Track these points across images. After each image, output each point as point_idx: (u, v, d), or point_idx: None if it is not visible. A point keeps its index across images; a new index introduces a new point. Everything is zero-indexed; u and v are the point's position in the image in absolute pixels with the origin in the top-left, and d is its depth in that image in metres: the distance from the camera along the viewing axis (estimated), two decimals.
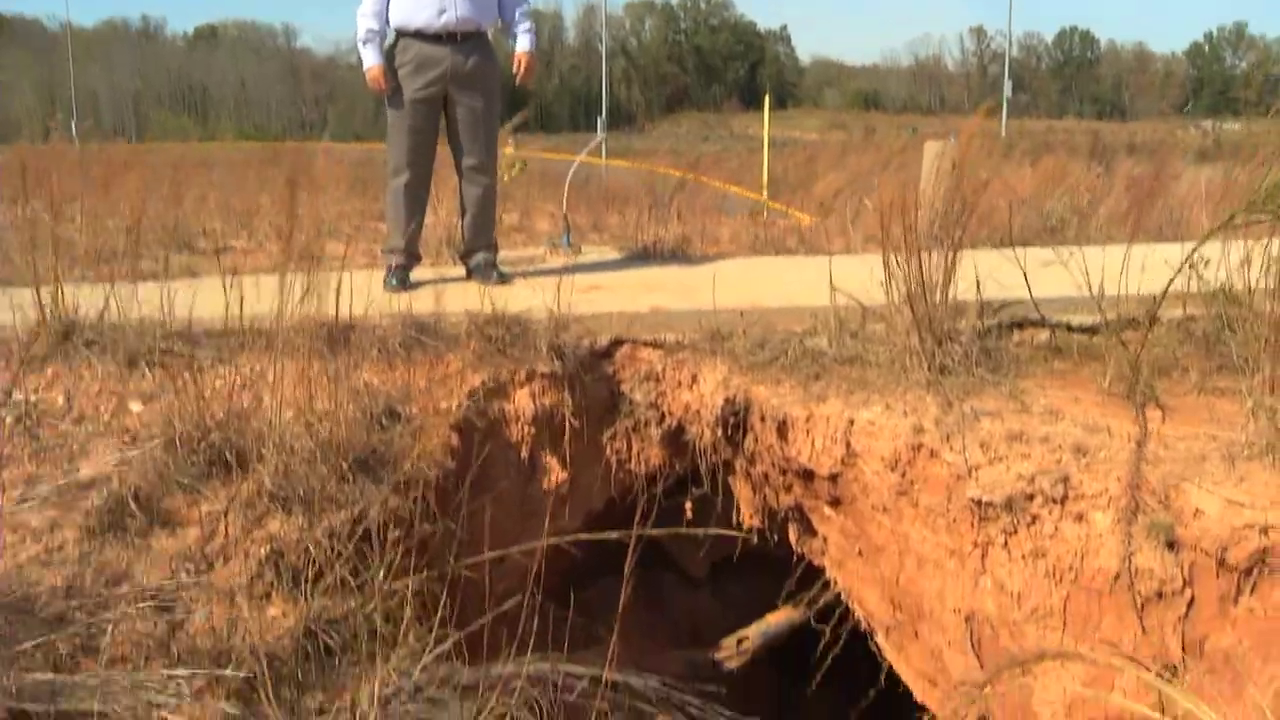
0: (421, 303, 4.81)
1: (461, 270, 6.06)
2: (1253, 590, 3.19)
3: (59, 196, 4.70)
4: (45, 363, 4.17)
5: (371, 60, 5.60)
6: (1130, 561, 3.36)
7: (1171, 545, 3.31)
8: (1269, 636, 3.12)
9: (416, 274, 5.85)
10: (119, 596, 2.89)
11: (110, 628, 2.72)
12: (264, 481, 3.36)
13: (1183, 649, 3.31)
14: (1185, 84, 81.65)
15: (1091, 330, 4.63)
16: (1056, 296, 4.72)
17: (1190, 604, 3.31)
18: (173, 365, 4.03)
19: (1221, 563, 3.21)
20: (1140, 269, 4.22)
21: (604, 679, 2.76)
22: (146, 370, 4.16)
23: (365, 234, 8.00)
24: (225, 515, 3.31)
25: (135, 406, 3.98)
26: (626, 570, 2.60)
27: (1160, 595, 3.34)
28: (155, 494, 3.38)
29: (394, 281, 5.60)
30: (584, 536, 2.82)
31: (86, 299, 4.37)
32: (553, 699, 2.71)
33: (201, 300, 4.44)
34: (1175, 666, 3.30)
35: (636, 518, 2.52)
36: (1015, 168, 11.35)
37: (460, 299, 4.85)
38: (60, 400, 4.00)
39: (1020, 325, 4.71)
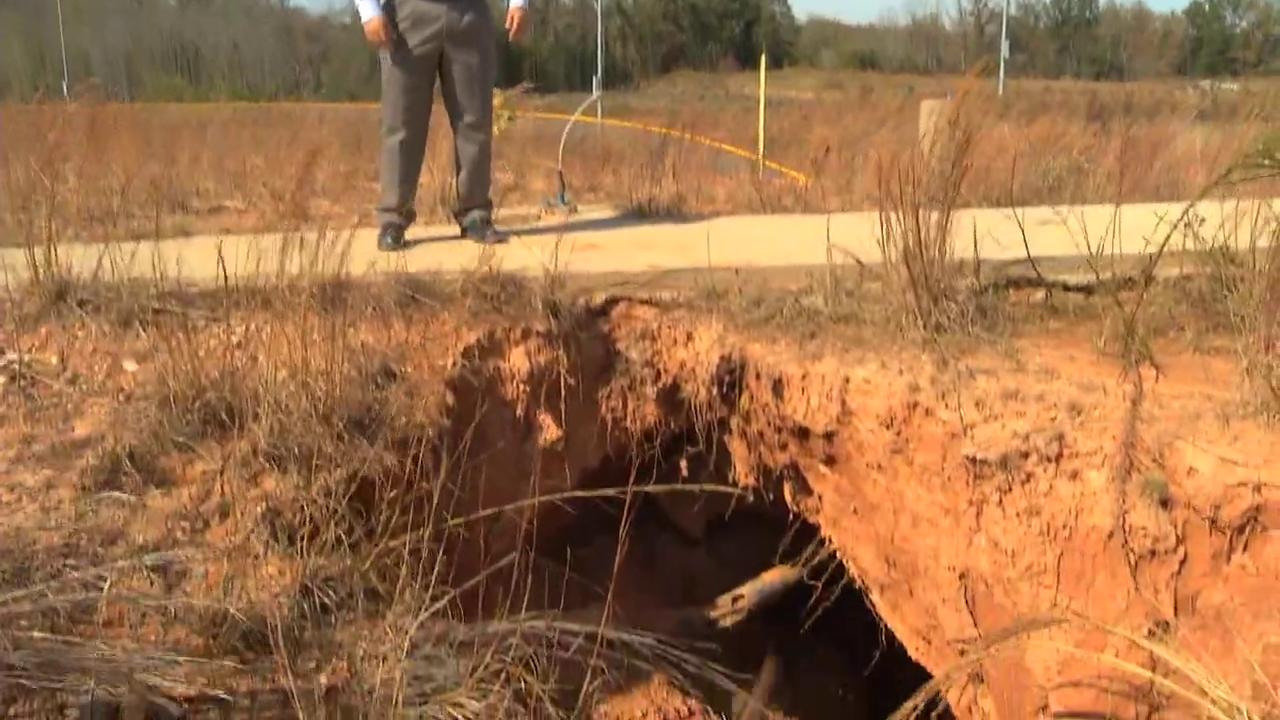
0: (416, 261, 4.79)
1: (456, 229, 6.04)
2: (1245, 548, 3.20)
3: (53, 157, 4.67)
4: (39, 323, 4.15)
5: (370, 12, 5.50)
6: (1124, 519, 3.37)
7: (1165, 503, 3.32)
8: (1260, 593, 3.13)
9: (411, 233, 5.83)
10: (115, 556, 2.89)
11: (107, 587, 2.73)
12: (259, 440, 3.36)
13: (1175, 606, 3.33)
14: (1184, 44, 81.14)
15: (1087, 289, 4.63)
16: (1053, 255, 4.72)
17: (1183, 562, 3.32)
18: (167, 325, 4.02)
19: (1214, 521, 3.22)
20: (1137, 228, 4.21)
21: (600, 636, 2.77)
22: (140, 330, 4.15)
23: (359, 194, 7.97)
24: (221, 474, 3.31)
25: (129, 366, 3.97)
26: (622, 531, 2.61)
27: (1153, 553, 3.35)
28: (150, 453, 3.38)
29: (388, 240, 5.58)
30: (579, 494, 2.82)
31: (80, 259, 4.34)
32: (549, 656, 2.72)
33: (195, 260, 4.42)
34: (1167, 623, 3.32)
35: (632, 475, 2.52)
36: (1012, 127, 11.29)
37: (455, 257, 4.83)
38: (54, 360, 3.99)
39: (1016, 284, 4.70)
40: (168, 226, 5.87)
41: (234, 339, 4.17)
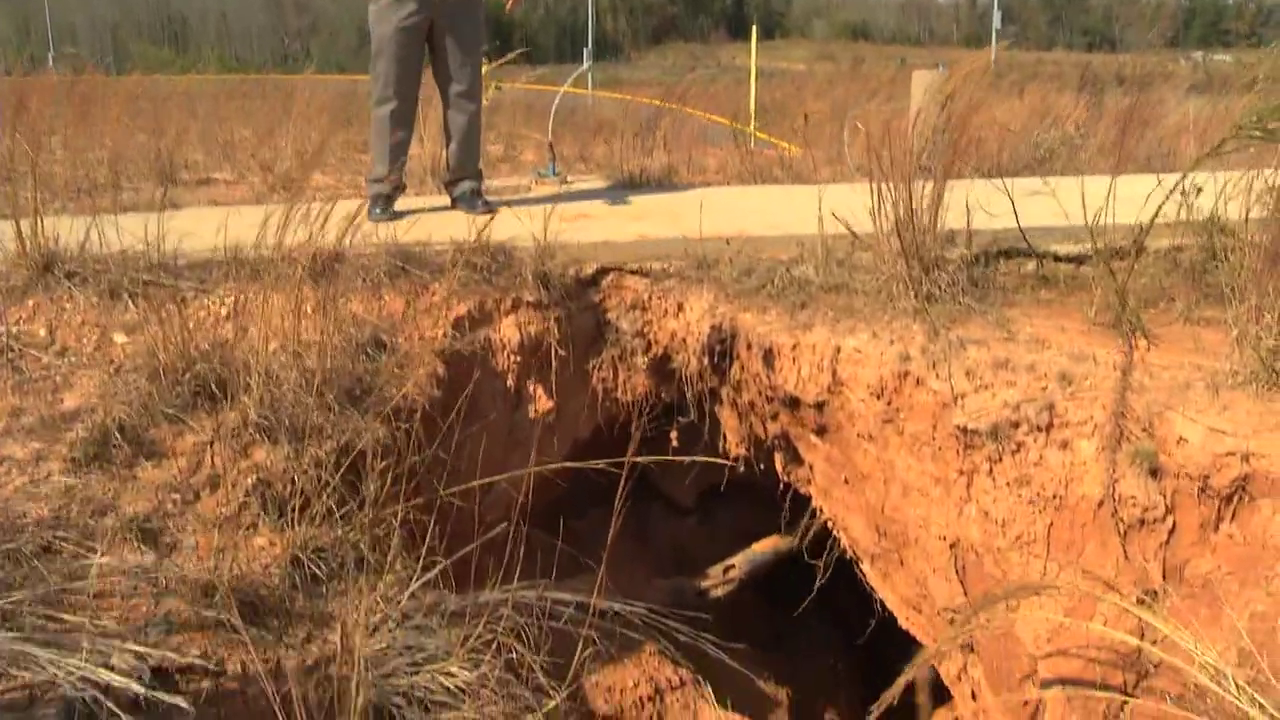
0: (406, 232, 4.77)
1: (446, 200, 6.01)
2: (1233, 517, 3.22)
3: (38, 129, 4.63)
4: (26, 295, 4.13)
5: None
6: (1114, 489, 3.38)
7: (1154, 473, 3.33)
8: (1247, 562, 3.15)
9: (401, 204, 5.80)
10: (105, 528, 2.89)
11: (97, 559, 2.72)
12: (249, 412, 3.35)
13: (1163, 575, 3.34)
14: (1176, 15, 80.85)
15: (1078, 260, 4.63)
16: (1044, 226, 4.72)
17: (1171, 531, 3.34)
18: (156, 296, 4.00)
19: (1203, 490, 3.23)
20: (1128, 199, 4.20)
21: (592, 606, 2.78)
22: (129, 301, 4.12)
23: (349, 165, 7.93)
24: (211, 446, 3.30)
25: (119, 338, 3.95)
26: (618, 503, 2.61)
27: (1142, 522, 3.36)
28: (140, 425, 3.36)
29: (378, 211, 5.55)
30: (571, 465, 2.82)
31: (67, 231, 4.32)
32: (540, 626, 2.72)
33: (184, 231, 4.39)
34: (1155, 592, 3.33)
35: (632, 447, 2.52)
36: (1004, 99, 11.26)
37: (445, 228, 4.81)
38: (42, 332, 3.97)
39: (1007, 254, 4.70)
40: (156, 198, 5.84)
41: (224, 310, 4.15)
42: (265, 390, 3.39)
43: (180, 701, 2.32)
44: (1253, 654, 2.75)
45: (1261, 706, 2.48)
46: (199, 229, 4.35)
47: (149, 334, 3.69)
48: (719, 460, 3.23)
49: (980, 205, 4.43)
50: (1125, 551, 3.39)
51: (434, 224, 4.91)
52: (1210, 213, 4.30)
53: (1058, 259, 4.68)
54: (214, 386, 3.50)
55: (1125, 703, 3.28)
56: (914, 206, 4.21)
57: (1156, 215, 3.96)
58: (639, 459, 2.60)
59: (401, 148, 5.70)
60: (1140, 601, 3.26)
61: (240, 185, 7.03)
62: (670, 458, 2.83)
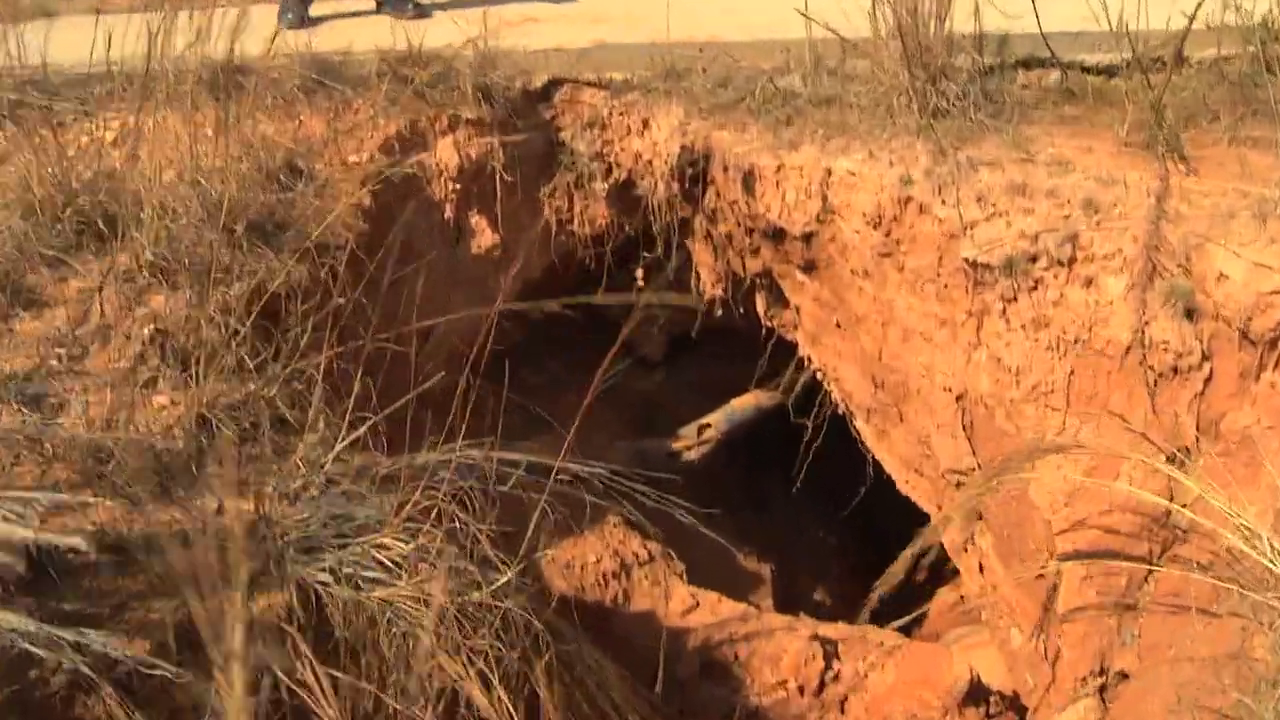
0: (324, 41, 4.66)
1: (370, 3, 5.86)
2: (1276, 364, 3.23)
3: None
4: None
5: None
6: (1144, 332, 3.38)
7: (1190, 314, 3.33)
8: None
9: (316, 9, 5.65)
10: None
11: None
12: (143, 251, 3.30)
13: (1197, 429, 3.37)
14: None
15: (1109, 71, 4.56)
16: (1070, 30, 4.62)
17: (1208, 380, 3.36)
18: (27, 119, 3.90)
19: (1245, 334, 3.23)
20: (1169, 1, 4.13)
21: (554, 470, 2.78)
22: None
23: None
24: (99, 292, 3.25)
25: None
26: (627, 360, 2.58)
27: (1175, 370, 3.38)
28: (15, 270, 3.31)
29: (290, 17, 5.40)
30: (520, 306, 2.78)
31: None
32: (485, 491, 2.72)
33: (59, 43, 4.26)
34: (1188, 448, 3.37)
35: (609, 277, 2.49)
36: None
37: (369, 36, 4.71)
38: None
39: (1027, 64, 4.63)
40: (25, 6, 5.65)
41: (110, 135, 4.06)
42: (161, 226, 3.34)
43: (79, 542, 2.31)
44: None
45: None
46: (77, 39, 4.21)
47: (20, 163, 3.60)
48: (687, 299, 3.21)
49: (996, 5, 4.34)
50: (1154, 403, 3.41)
51: (356, 31, 4.80)
52: (1263, 18, 4.23)
53: (1085, 69, 4.60)
54: (101, 223, 3.44)
55: (1150, 573, 3.35)
56: (917, 5, 4.12)
57: (1193, 19, 3.88)
58: (601, 299, 2.58)
59: None
60: (1170, 460, 3.29)
61: None
62: (641, 293, 2.80)
